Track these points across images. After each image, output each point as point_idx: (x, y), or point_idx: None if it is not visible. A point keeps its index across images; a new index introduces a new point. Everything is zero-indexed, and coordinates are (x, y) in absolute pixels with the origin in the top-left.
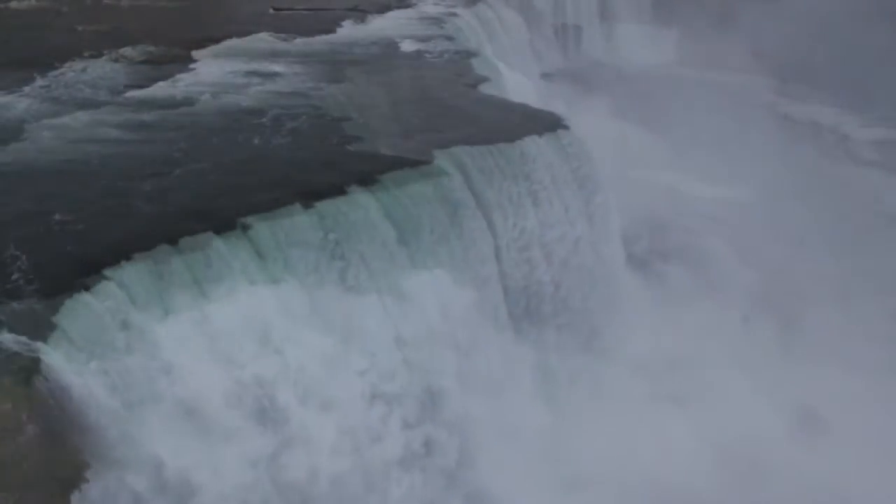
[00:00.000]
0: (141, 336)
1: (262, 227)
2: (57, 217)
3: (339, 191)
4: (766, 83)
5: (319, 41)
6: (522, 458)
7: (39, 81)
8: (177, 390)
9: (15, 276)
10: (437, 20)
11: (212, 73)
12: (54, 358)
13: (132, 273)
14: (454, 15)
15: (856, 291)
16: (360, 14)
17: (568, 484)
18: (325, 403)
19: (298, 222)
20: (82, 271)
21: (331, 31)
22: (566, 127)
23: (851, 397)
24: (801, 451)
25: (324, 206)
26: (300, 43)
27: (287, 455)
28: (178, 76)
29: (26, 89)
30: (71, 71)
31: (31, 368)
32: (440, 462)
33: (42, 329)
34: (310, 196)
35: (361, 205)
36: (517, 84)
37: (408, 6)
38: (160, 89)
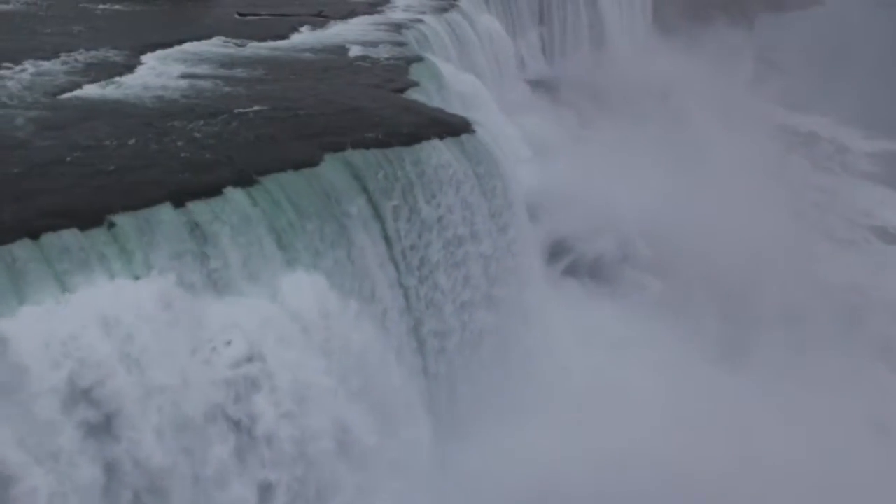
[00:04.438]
0: None
1: (127, 225)
2: None
3: (215, 191)
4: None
5: (269, 46)
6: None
7: None
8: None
9: None
10: (398, 26)
11: (149, 75)
12: None
13: None
14: (419, 21)
15: None
16: (322, 20)
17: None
18: (153, 390)
19: (166, 220)
20: None
21: (285, 36)
22: (472, 131)
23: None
24: None
25: (196, 205)
26: (249, 48)
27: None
28: (116, 79)
29: None
30: (15, 72)
31: None
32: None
33: None
34: (184, 196)
35: (236, 205)
36: (466, 89)
37: (375, 12)
38: (90, 90)
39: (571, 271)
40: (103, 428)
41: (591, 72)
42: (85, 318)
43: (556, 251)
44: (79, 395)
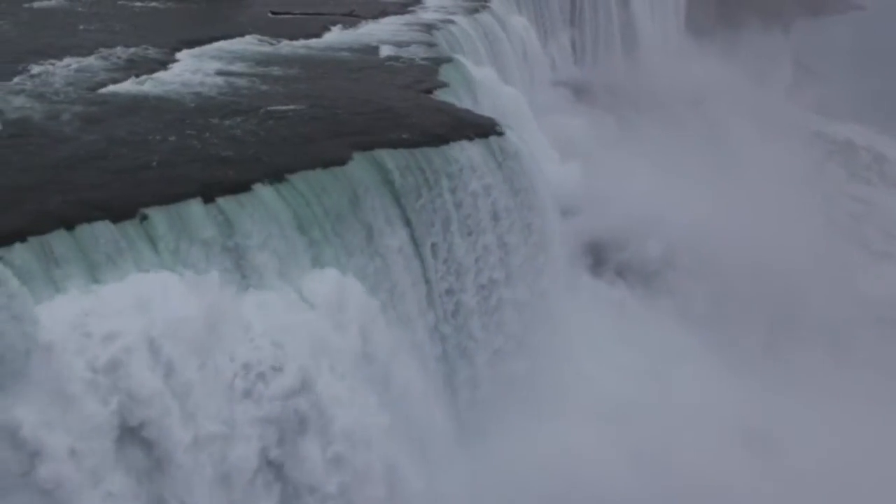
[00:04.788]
0: (20, 313)
1: (159, 218)
2: None
3: (244, 187)
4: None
5: (301, 45)
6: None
7: (23, 74)
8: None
9: None
10: (428, 27)
11: (184, 72)
12: None
13: (24, 253)
14: (450, 22)
15: None
16: (354, 20)
17: None
18: (185, 385)
19: (196, 215)
20: None
21: (317, 35)
22: (500, 133)
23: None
24: None
25: (226, 201)
26: (282, 46)
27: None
28: (152, 75)
29: (4, 83)
30: (55, 67)
31: None
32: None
33: None
34: (215, 191)
35: (264, 201)
36: (496, 91)
37: (406, 13)
38: (127, 86)
39: (604, 275)
40: (137, 427)
41: (623, 75)
42: (114, 309)
43: (587, 255)
44: (109, 381)
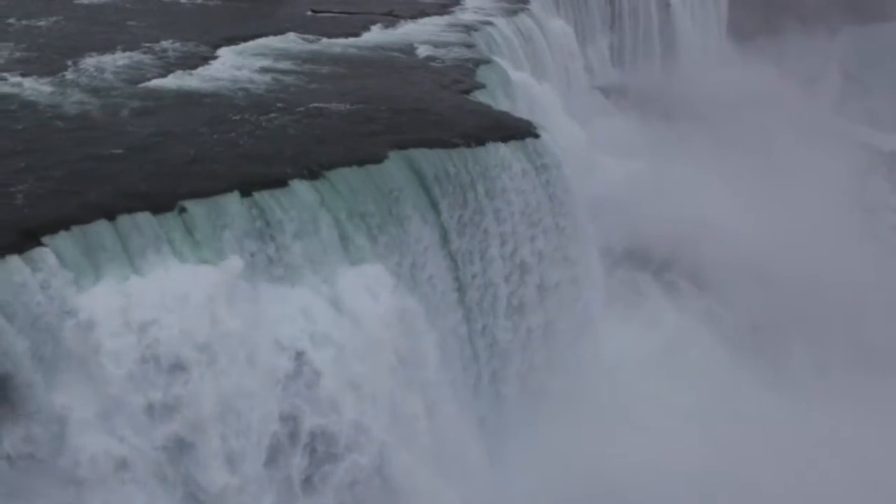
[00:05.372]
0: (63, 299)
1: (197, 211)
2: (17, 188)
3: (280, 183)
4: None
5: (340, 43)
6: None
7: (70, 68)
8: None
9: None
10: (467, 28)
11: (223, 68)
12: None
13: (67, 242)
14: (488, 23)
15: None
16: (393, 19)
17: None
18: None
19: (233, 209)
20: (21, 236)
21: (356, 34)
22: (537, 135)
23: None
24: None
25: (262, 196)
26: (322, 44)
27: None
28: (194, 70)
29: (53, 76)
30: (102, 61)
31: None
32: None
33: None
34: (252, 185)
35: (300, 197)
36: (533, 93)
37: (446, 13)
38: (169, 81)
39: (640, 281)
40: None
41: (662, 81)
42: (152, 298)
43: (622, 261)
44: (144, 369)
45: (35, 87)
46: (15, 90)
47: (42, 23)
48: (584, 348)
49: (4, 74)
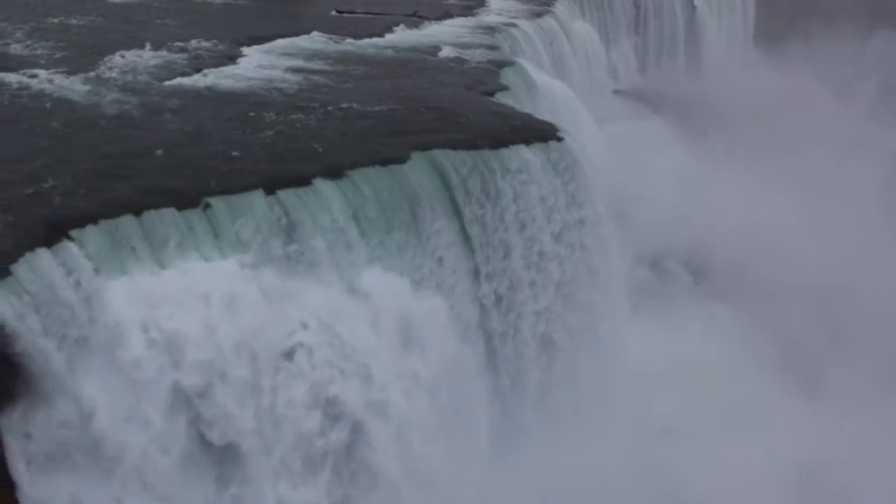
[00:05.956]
0: (90, 292)
1: (221, 208)
2: (48, 183)
3: (304, 181)
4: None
5: (364, 44)
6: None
7: (102, 66)
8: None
9: None
10: (491, 29)
11: (248, 67)
12: None
13: (94, 236)
14: (513, 25)
15: None
16: (417, 20)
17: None
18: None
19: (257, 206)
20: (50, 229)
21: (381, 35)
22: (560, 138)
23: None
24: None
25: (286, 194)
26: (346, 44)
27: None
28: (221, 69)
29: (85, 74)
30: (132, 59)
31: None
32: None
33: None
34: (276, 184)
35: (322, 196)
36: (557, 96)
37: (470, 15)
38: (196, 79)
39: (666, 287)
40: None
41: (687, 85)
42: (176, 293)
43: (648, 265)
44: (167, 360)
45: (68, 85)
46: (48, 87)
47: (75, 21)
48: (607, 356)
49: (39, 71)
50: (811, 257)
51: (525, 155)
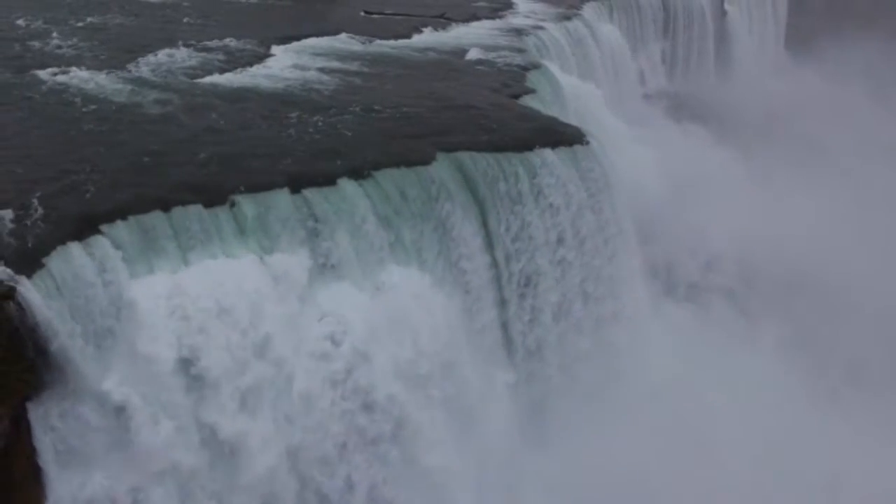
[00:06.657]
0: (118, 286)
1: (247, 206)
2: (79, 177)
3: (329, 181)
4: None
5: (391, 45)
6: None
7: (134, 64)
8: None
9: (25, 222)
10: (518, 32)
11: (278, 66)
12: (30, 289)
13: (124, 231)
14: (540, 28)
15: None
16: (445, 22)
17: None
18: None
19: (282, 204)
20: (82, 224)
21: (408, 36)
22: (585, 142)
23: None
24: None
25: (311, 193)
26: (373, 45)
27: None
28: (248, 68)
29: (118, 72)
30: (163, 58)
31: (6, 294)
32: None
33: (30, 266)
34: (301, 183)
35: (347, 195)
36: (583, 100)
37: (497, 17)
38: (225, 78)
39: (689, 296)
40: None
41: (716, 90)
42: (201, 288)
43: (668, 274)
44: (192, 355)
45: (100, 82)
46: (81, 84)
47: (108, 20)
48: (631, 361)
49: (72, 69)
50: (845, 267)
51: (550, 158)
